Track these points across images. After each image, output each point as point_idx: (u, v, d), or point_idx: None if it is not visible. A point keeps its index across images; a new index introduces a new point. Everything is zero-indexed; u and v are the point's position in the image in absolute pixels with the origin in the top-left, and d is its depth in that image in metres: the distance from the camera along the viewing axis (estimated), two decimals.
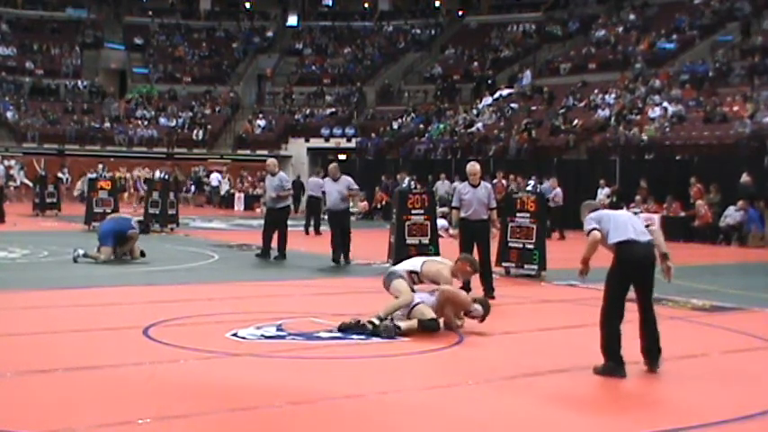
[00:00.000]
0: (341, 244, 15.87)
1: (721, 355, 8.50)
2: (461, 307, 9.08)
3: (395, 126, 40.59)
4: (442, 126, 37.39)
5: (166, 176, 30.38)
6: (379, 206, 32.10)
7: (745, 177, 22.61)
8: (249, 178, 39.34)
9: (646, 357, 7.56)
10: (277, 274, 14.23)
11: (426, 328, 8.75)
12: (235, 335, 8.62)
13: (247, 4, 56.90)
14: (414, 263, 9.48)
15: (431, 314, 8.82)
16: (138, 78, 50.25)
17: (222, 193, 39.67)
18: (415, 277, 9.17)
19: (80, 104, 46.37)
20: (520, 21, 47.12)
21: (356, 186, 16.66)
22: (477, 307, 9.13)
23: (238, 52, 52.08)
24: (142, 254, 15.58)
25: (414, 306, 8.92)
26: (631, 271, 7.39)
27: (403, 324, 8.78)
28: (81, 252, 14.96)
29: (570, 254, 18.33)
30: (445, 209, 21.15)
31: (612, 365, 7.31)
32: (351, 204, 24.26)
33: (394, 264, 14.45)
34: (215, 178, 40.27)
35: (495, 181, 26.83)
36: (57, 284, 12.29)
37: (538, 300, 11.85)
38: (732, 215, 22.39)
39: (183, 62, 50.91)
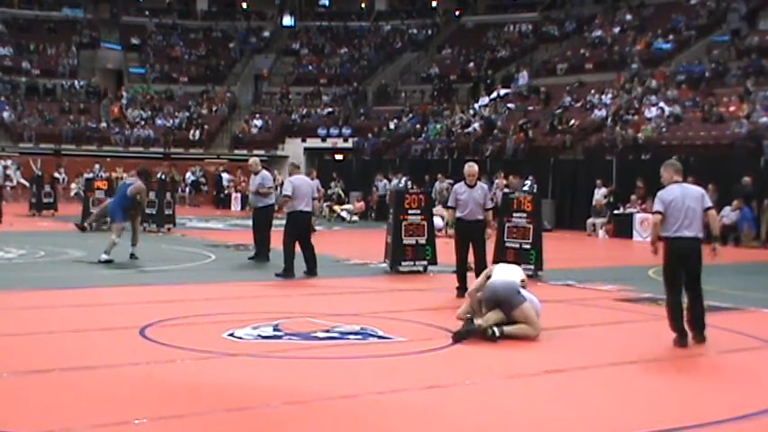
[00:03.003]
0: (261, 242, 15.84)
1: (718, 354, 8.51)
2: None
3: (392, 126, 40.58)
4: (438, 126, 37.39)
5: (163, 176, 30.35)
6: (375, 206, 32.08)
7: (746, 179, 22.58)
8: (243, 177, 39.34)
9: (691, 329, 8.72)
10: (274, 275, 14.20)
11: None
12: (231, 335, 8.62)
13: (244, 5, 56.90)
14: (519, 272, 9.32)
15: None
16: (135, 78, 50.22)
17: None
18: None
19: (76, 104, 46.34)
20: (516, 21, 47.14)
21: (269, 183, 16.09)
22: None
23: (235, 52, 52.07)
24: (132, 256, 15.52)
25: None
26: (674, 261, 8.74)
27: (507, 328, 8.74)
28: (104, 257, 14.84)
29: (567, 254, 18.41)
30: (440, 208, 21.18)
31: (676, 337, 8.67)
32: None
33: (392, 261, 14.48)
34: (225, 178, 40.25)
35: (496, 181, 26.82)
36: (53, 285, 12.28)
37: None
38: (728, 215, 22.42)
39: (180, 62, 50.88)
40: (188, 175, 40.60)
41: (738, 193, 22.42)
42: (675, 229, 8.67)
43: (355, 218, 30.75)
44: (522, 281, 9.11)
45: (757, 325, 10.17)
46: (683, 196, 8.76)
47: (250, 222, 16.81)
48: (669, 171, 8.98)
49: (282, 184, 16.70)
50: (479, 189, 12.02)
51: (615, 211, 25.20)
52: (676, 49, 35.88)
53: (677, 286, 8.75)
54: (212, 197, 40.23)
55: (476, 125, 35.58)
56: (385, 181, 31.95)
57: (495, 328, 8.65)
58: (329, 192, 32.44)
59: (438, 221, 18.36)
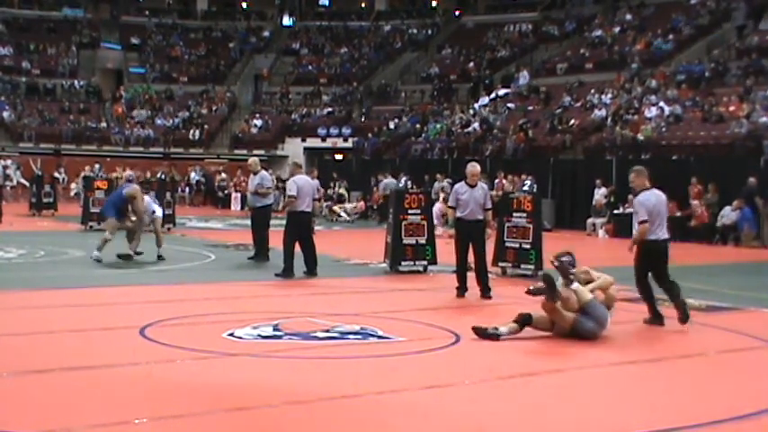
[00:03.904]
0: (259, 242, 15.89)
1: (717, 354, 8.52)
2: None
3: (391, 126, 40.57)
4: (438, 126, 37.38)
5: (163, 176, 30.38)
6: (375, 206, 32.04)
7: (751, 179, 22.55)
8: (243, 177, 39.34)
9: (678, 315, 9.53)
10: (273, 275, 14.19)
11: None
12: (231, 335, 8.62)
13: (244, 4, 56.87)
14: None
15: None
16: (135, 78, 50.19)
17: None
18: None
19: (76, 104, 46.32)
20: (516, 21, 47.12)
21: (268, 183, 16.14)
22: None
23: (235, 52, 52.04)
24: (143, 254, 15.53)
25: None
26: (647, 260, 9.81)
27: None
28: (96, 254, 14.80)
29: None
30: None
31: (651, 317, 9.74)
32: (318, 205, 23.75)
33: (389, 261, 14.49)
34: (217, 178, 40.25)
35: (496, 181, 26.82)
36: (53, 284, 12.29)
37: (535, 300, 11.82)
38: (728, 215, 22.41)
39: (180, 62, 50.86)
40: (192, 175, 40.62)
41: (742, 193, 22.38)
42: (653, 231, 9.70)
43: (346, 216, 30.58)
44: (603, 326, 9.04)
45: (757, 325, 10.17)
46: (659, 203, 9.84)
47: (249, 222, 16.81)
48: (641, 177, 9.94)
49: (280, 182, 16.72)
50: (480, 189, 12.02)
51: (615, 211, 25.18)
52: (676, 48, 35.85)
53: (646, 276, 9.88)
54: (210, 197, 40.27)
55: (476, 125, 35.58)
56: (385, 180, 31.92)
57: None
58: (329, 192, 32.41)
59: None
